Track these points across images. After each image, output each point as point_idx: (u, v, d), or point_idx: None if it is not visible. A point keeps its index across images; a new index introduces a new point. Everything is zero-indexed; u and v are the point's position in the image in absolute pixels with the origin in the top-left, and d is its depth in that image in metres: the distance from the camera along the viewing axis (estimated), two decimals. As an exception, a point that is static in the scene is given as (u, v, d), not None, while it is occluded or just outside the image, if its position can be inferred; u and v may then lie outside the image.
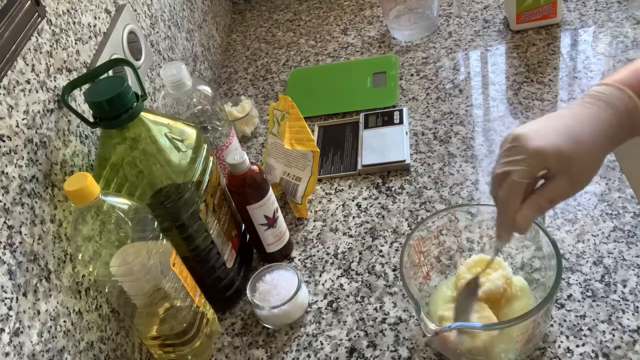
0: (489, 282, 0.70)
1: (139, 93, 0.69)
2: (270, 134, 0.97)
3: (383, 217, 0.90)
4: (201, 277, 0.77)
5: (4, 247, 0.57)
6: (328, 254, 0.88)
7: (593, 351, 0.68)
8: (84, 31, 0.78)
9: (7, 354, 0.55)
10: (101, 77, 0.72)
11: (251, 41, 1.40)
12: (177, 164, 0.70)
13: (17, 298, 0.58)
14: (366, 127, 1.04)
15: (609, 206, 0.82)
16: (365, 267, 0.84)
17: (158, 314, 0.70)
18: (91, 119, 0.69)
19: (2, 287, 0.56)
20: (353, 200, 0.94)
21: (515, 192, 0.57)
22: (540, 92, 1.02)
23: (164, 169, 0.69)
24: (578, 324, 0.71)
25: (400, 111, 1.05)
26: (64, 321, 0.64)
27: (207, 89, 0.87)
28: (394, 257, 0.84)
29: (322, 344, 0.77)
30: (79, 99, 0.74)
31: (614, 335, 0.69)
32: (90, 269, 0.63)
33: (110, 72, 0.78)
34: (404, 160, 0.96)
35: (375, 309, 0.79)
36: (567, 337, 0.70)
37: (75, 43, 0.76)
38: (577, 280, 0.75)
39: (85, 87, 0.73)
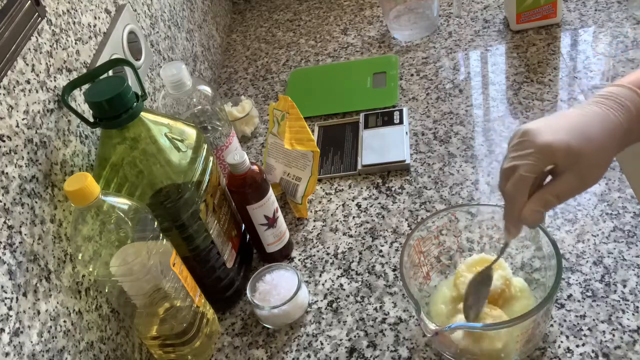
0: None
1: (139, 93, 0.69)
2: (270, 134, 0.97)
3: (383, 217, 0.90)
4: (201, 277, 0.77)
5: (4, 247, 0.57)
6: (328, 254, 0.88)
7: (593, 351, 0.68)
8: (84, 31, 0.78)
9: (7, 354, 0.55)
10: (101, 77, 0.72)
11: (251, 41, 1.40)
12: (177, 164, 0.70)
13: (17, 298, 0.58)
14: (366, 127, 1.04)
15: (609, 206, 0.82)
16: (365, 267, 0.84)
17: (158, 314, 0.70)
18: (91, 119, 0.69)
19: (2, 287, 0.56)
20: (353, 200, 0.94)
21: (523, 186, 0.57)
22: (540, 92, 1.02)
23: (164, 169, 0.69)
24: (578, 324, 0.71)
25: (400, 111, 1.05)
26: (64, 321, 0.64)
27: (207, 89, 0.87)
28: (394, 257, 0.84)
29: (322, 344, 0.77)
30: (79, 99, 0.74)
31: (614, 335, 0.69)
32: (90, 269, 0.63)
33: (110, 72, 0.78)
34: (404, 160, 0.96)
35: (375, 309, 0.79)
36: (567, 337, 0.70)
37: (75, 43, 0.76)
38: (577, 280, 0.75)
39: (85, 87, 0.73)
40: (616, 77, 1.00)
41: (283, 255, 0.88)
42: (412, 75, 1.15)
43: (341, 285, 0.83)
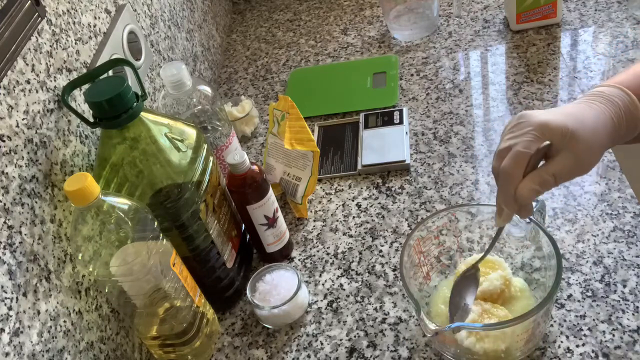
0: (487, 282, 0.70)
1: (139, 93, 0.69)
2: (270, 134, 0.97)
3: (383, 217, 0.90)
4: (201, 277, 0.77)
5: (4, 247, 0.57)
6: (328, 254, 0.88)
7: (593, 351, 0.68)
8: (84, 31, 0.78)
9: (7, 354, 0.55)
10: (101, 77, 0.72)
11: (251, 41, 1.40)
12: (177, 164, 0.70)
13: (17, 298, 0.58)
14: (366, 127, 1.04)
15: (609, 206, 0.82)
16: (365, 267, 0.84)
17: (158, 314, 0.70)
18: (91, 119, 0.69)
19: (2, 287, 0.56)
20: (353, 200, 0.94)
21: (519, 162, 0.57)
22: (540, 92, 1.02)
23: (164, 169, 0.69)
24: (578, 324, 0.71)
25: (400, 111, 1.05)
26: (64, 321, 0.64)
27: (207, 89, 0.87)
28: (394, 257, 0.84)
29: (322, 344, 0.77)
30: (79, 99, 0.74)
31: (614, 335, 0.69)
32: (90, 269, 0.63)
33: (110, 72, 0.78)
34: (404, 160, 0.96)
35: (375, 309, 0.79)
36: (567, 337, 0.70)
37: (75, 43, 0.76)
38: (577, 280, 0.75)
39: (85, 87, 0.73)
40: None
41: (283, 255, 0.88)
42: (412, 75, 1.15)
43: (341, 285, 0.83)
